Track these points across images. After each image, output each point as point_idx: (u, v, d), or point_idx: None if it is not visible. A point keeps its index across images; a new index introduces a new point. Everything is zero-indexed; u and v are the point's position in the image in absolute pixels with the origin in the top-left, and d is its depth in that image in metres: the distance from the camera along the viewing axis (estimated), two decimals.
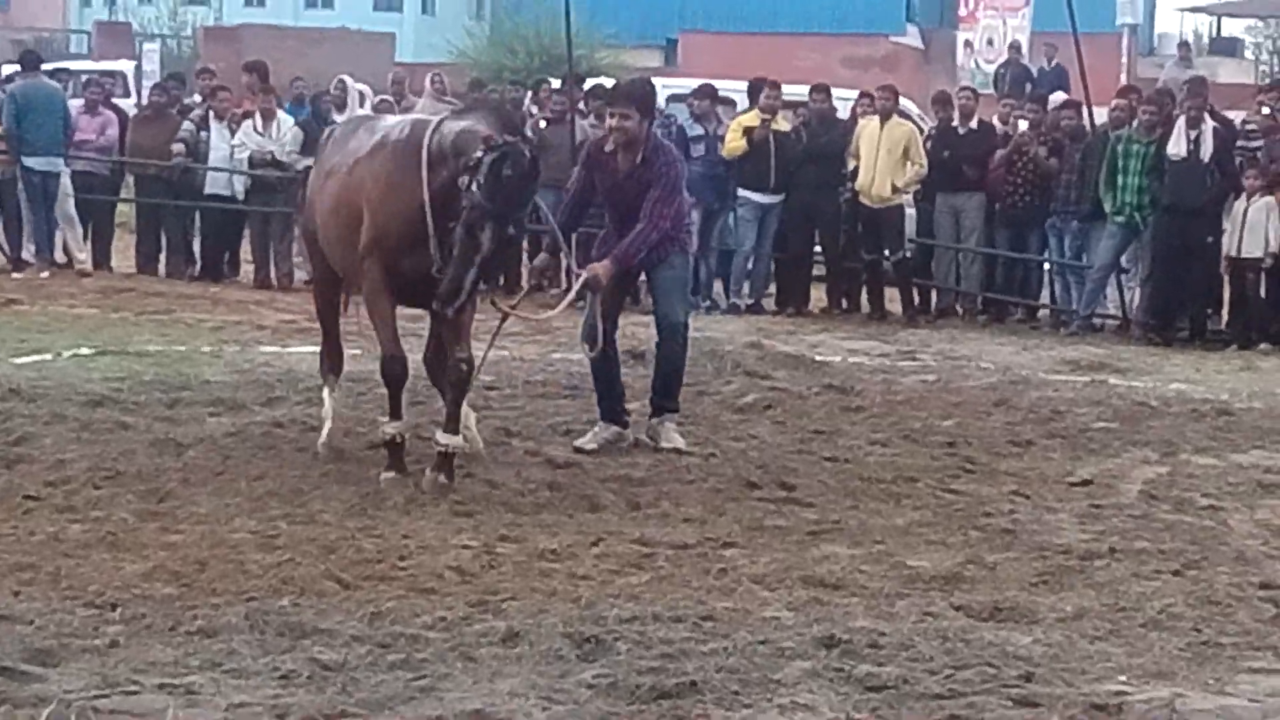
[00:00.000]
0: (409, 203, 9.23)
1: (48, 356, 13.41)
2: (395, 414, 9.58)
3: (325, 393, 10.40)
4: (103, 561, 7.62)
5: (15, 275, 19.28)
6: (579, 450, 10.33)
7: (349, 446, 10.20)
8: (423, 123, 9.50)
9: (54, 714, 5.62)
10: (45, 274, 19.24)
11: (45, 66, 21.72)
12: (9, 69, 22.38)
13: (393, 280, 9.44)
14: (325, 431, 10.15)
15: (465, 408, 10.11)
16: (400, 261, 9.34)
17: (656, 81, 12.30)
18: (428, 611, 6.97)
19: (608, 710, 5.86)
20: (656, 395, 10.76)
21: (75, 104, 20.80)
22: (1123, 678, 6.36)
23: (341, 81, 21.23)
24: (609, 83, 20.33)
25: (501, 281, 14.10)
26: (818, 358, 14.62)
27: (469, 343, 9.56)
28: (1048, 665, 6.45)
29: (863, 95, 19.50)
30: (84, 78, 23.61)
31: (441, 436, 9.41)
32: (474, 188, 8.85)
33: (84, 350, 13.78)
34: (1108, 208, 17.29)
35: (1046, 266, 18.71)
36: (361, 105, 20.91)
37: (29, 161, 19.48)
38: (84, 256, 19.75)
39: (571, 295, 10.45)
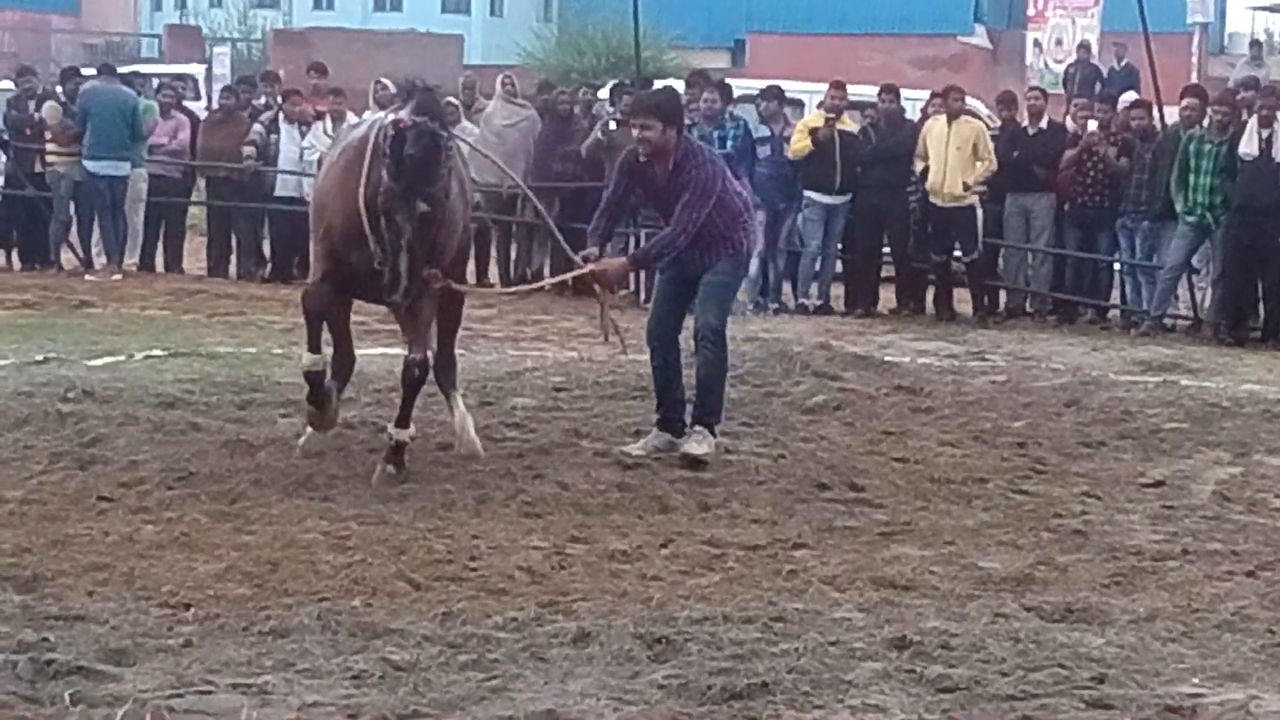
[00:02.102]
0: (350, 200, 9.37)
1: (120, 358, 13.50)
2: (314, 347, 9.73)
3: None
4: (176, 562, 7.66)
5: (87, 277, 19.43)
6: (625, 455, 10.24)
7: (415, 446, 10.23)
8: (378, 122, 9.57)
9: (129, 713, 5.66)
10: (116, 277, 19.37)
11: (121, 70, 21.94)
12: (86, 72, 22.51)
13: (345, 277, 9.56)
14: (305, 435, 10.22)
15: (463, 412, 10.26)
16: (348, 257, 9.45)
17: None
18: (499, 612, 6.98)
19: (679, 711, 5.86)
20: (695, 404, 10.51)
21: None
22: (1196, 680, 6.33)
23: (381, 83, 21.28)
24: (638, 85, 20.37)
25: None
26: (887, 358, 14.58)
27: (424, 345, 9.62)
28: (1120, 667, 6.41)
29: (934, 96, 19.46)
30: (155, 82, 23.75)
31: (392, 429, 9.61)
32: (384, 172, 9.05)
33: (156, 352, 13.86)
34: (1179, 207, 17.19)
35: (1117, 267, 18.62)
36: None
37: (90, 165, 19.65)
38: (120, 266, 19.77)
39: (563, 278, 10.34)
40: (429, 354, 9.65)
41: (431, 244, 9.26)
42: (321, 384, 9.72)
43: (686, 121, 18.05)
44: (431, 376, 10.30)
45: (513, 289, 12.45)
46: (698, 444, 10.18)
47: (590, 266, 10.25)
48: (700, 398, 10.42)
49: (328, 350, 10.00)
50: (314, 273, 9.97)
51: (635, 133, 10.36)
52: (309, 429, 9.98)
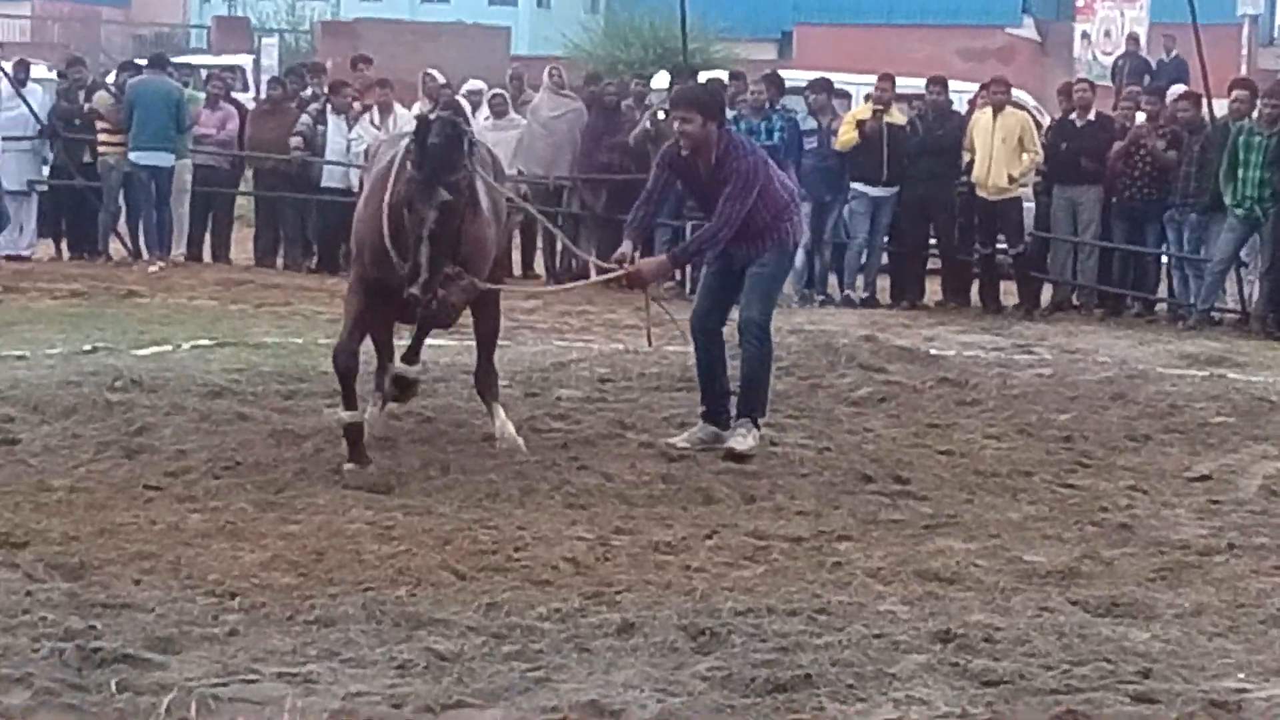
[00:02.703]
0: (376, 213, 9.47)
1: (167, 348, 13.57)
2: (349, 405, 9.50)
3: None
4: (222, 551, 7.69)
5: (133, 267, 19.52)
6: (670, 446, 10.23)
7: (457, 436, 10.26)
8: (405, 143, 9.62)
9: (175, 701, 5.68)
10: (153, 268, 19.45)
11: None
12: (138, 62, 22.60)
13: (377, 293, 9.55)
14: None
15: (503, 420, 10.25)
16: (380, 276, 9.47)
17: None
18: (543, 603, 6.99)
19: (722, 702, 5.85)
20: (739, 398, 10.44)
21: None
22: (1242, 675, 6.30)
23: (430, 74, 21.33)
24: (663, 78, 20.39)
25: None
26: (932, 351, 14.56)
27: (418, 358, 10.04)
28: (1166, 661, 6.39)
29: (982, 88, 19.41)
30: (204, 73, 23.85)
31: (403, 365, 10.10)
32: (408, 165, 9.14)
33: (203, 342, 13.93)
34: (1227, 200, 17.12)
35: (1165, 260, 18.55)
36: (475, 102, 21.03)
37: (134, 156, 19.76)
38: (164, 258, 19.85)
39: (599, 280, 10.34)
40: (420, 370, 9.68)
41: (455, 242, 9.22)
42: (360, 440, 9.50)
43: (732, 113, 18.20)
44: (478, 389, 10.48)
45: (548, 289, 12.53)
46: (741, 439, 10.15)
47: (627, 268, 10.16)
48: (744, 392, 10.38)
49: (364, 405, 9.88)
50: (346, 318, 9.81)
51: (675, 126, 10.34)
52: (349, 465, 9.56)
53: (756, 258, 10.31)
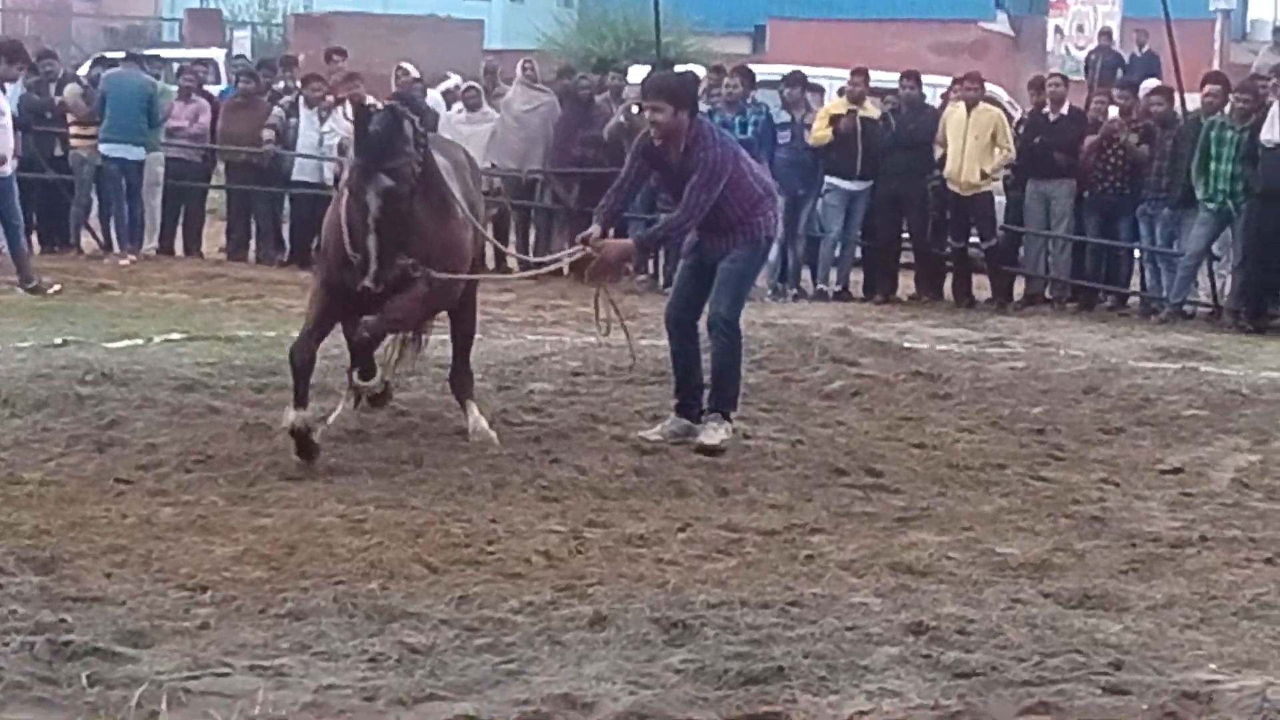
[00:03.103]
0: (336, 208, 9.53)
1: (139, 341, 13.54)
2: (299, 403, 9.42)
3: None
4: (193, 544, 7.67)
5: (105, 261, 19.46)
6: (643, 439, 10.24)
7: (429, 429, 10.25)
8: None
9: (146, 694, 5.66)
10: (125, 262, 19.39)
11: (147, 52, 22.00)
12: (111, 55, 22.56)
13: (340, 298, 9.52)
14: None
15: (477, 416, 10.26)
16: (340, 274, 9.47)
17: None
18: (515, 596, 6.98)
19: (695, 695, 5.85)
20: (710, 393, 10.43)
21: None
22: (1213, 666, 6.30)
23: (403, 68, 21.28)
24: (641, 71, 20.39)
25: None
26: (906, 344, 14.58)
27: (383, 320, 9.49)
28: (1137, 653, 6.40)
29: (956, 83, 19.43)
30: (176, 66, 23.79)
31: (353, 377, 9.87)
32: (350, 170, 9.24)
33: (175, 335, 13.90)
34: (1199, 194, 17.17)
35: (1137, 254, 18.58)
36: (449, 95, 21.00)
37: (105, 149, 19.72)
38: (135, 252, 19.80)
39: (561, 256, 10.30)
40: (382, 328, 9.58)
41: (404, 230, 9.19)
42: (309, 440, 9.39)
43: (706, 107, 18.19)
44: (453, 389, 10.48)
45: (515, 275, 12.60)
46: (712, 433, 10.14)
47: (592, 247, 10.15)
48: (715, 386, 10.38)
49: (314, 405, 9.81)
50: (307, 318, 9.81)
51: (646, 115, 10.32)
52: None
53: (728, 252, 10.28)
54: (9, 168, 17.14)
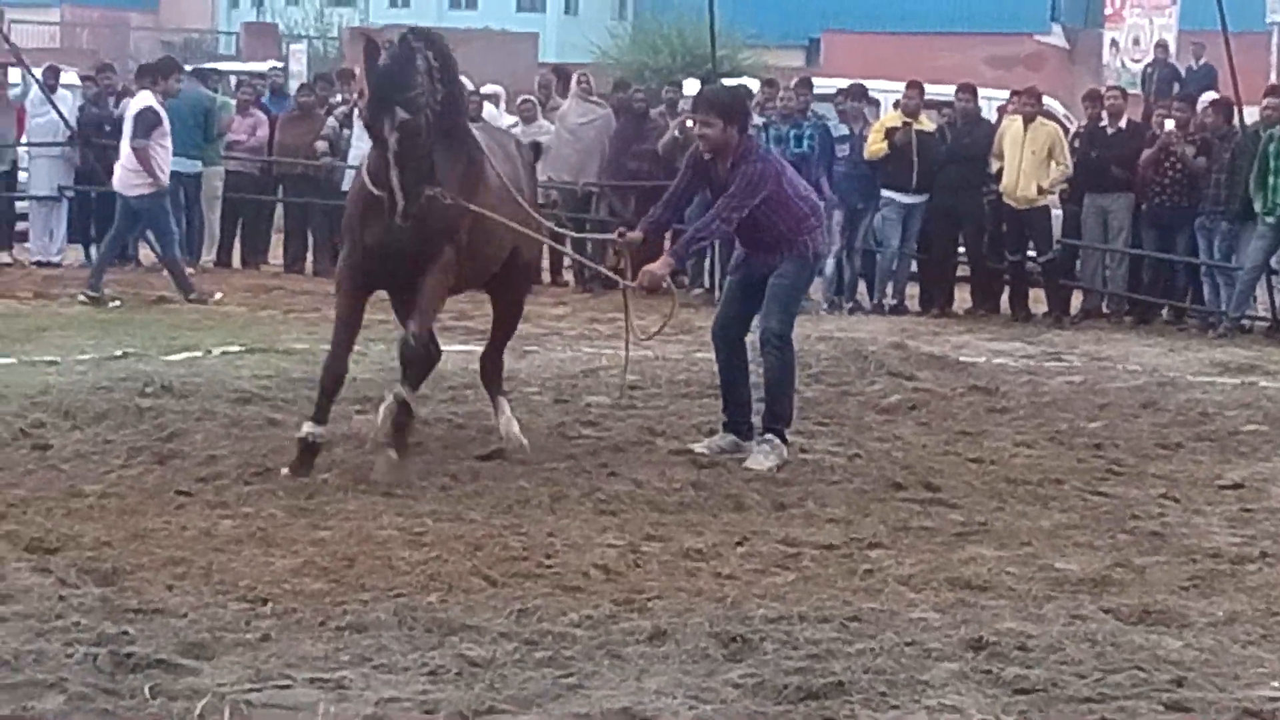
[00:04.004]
0: (361, 176, 9.60)
1: (198, 354, 13.61)
2: (319, 418, 9.49)
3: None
4: (253, 557, 7.69)
5: (163, 274, 19.53)
6: (692, 453, 10.22)
7: (487, 442, 10.25)
8: None
9: (207, 706, 5.69)
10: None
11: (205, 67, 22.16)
12: None
13: (365, 261, 9.55)
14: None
15: (508, 416, 10.29)
16: (365, 237, 9.49)
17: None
18: (574, 609, 6.98)
19: (755, 710, 5.85)
20: (764, 411, 10.36)
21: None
22: (1275, 683, 6.27)
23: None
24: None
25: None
26: (962, 358, 14.55)
27: (425, 318, 9.58)
28: (1199, 670, 6.37)
29: (1013, 95, 19.38)
30: (234, 79, 23.92)
31: (399, 387, 9.58)
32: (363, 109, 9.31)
33: (233, 348, 13.96)
34: (1258, 208, 17.09)
35: (1196, 267, 18.49)
36: (496, 105, 21.03)
37: None
38: (193, 264, 19.94)
39: (626, 283, 10.32)
40: (428, 331, 9.62)
41: (427, 163, 9.18)
42: (312, 456, 9.42)
43: (762, 119, 18.20)
44: (482, 378, 10.54)
45: (565, 249, 12.72)
46: (763, 457, 10.04)
47: (636, 283, 10.20)
48: (768, 403, 10.33)
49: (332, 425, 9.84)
50: (335, 328, 9.86)
51: (696, 129, 10.33)
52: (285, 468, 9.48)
53: (775, 267, 10.27)
54: (164, 181, 17.53)
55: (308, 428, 9.44)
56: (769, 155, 10.49)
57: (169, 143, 17.60)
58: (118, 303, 17.20)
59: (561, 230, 12.84)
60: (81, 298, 17.08)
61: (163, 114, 17.52)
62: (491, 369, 10.57)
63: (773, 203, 10.11)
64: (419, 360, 9.71)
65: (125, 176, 17.64)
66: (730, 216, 10.06)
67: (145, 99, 17.66)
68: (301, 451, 9.40)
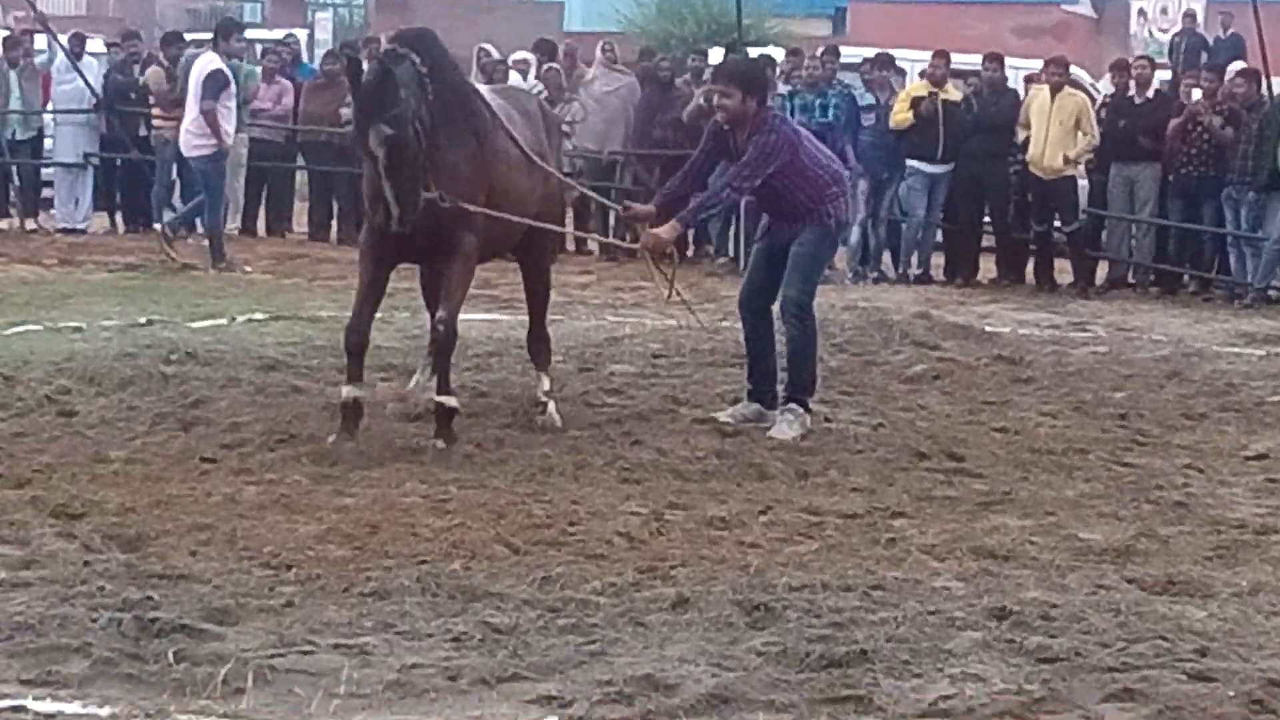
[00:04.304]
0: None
1: (222, 321, 13.63)
2: (353, 378, 9.56)
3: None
4: (277, 523, 7.72)
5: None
6: (715, 421, 10.22)
7: (510, 410, 10.25)
8: None
9: (231, 672, 5.71)
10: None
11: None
12: (190, 37, 22.69)
13: (387, 250, 9.68)
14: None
15: (546, 382, 10.30)
16: (374, 218, 9.61)
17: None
18: (597, 577, 6.99)
19: (777, 677, 5.85)
20: (786, 380, 10.33)
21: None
22: None
23: (484, 49, 21.30)
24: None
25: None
26: (987, 328, 14.53)
27: (453, 305, 9.62)
28: (1223, 640, 6.36)
29: (1046, 64, 19.26)
30: (259, 48, 23.88)
31: (436, 395, 9.59)
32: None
33: (258, 315, 13.99)
34: None
35: (1223, 238, 18.43)
36: (525, 76, 20.99)
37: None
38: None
39: (624, 244, 10.34)
40: (453, 317, 9.64)
41: (418, 171, 9.22)
42: (356, 416, 9.47)
43: (787, 88, 18.17)
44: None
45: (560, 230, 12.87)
46: (787, 426, 10.03)
47: (641, 242, 10.31)
48: (790, 372, 10.30)
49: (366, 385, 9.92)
50: (357, 292, 9.93)
51: (715, 99, 10.31)
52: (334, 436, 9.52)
53: (793, 236, 10.25)
54: (228, 145, 17.69)
55: (347, 390, 9.49)
56: (784, 126, 10.42)
57: (234, 104, 17.66)
58: (249, 269, 17.28)
59: (577, 185, 12.90)
60: (212, 271, 17.18)
61: (229, 75, 17.58)
62: (537, 347, 10.57)
63: (790, 173, 10.09)
64: (449, 347, 9.72)
65: (187, 138, 17.80)
66: (741, 186, 10.09)
67: (211, 60, 17.80)
68: (345, 414, 9.44)
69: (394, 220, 9.21)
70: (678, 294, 10.63)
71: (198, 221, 19.98)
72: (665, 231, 10.17)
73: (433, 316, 9.86)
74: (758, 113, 10.13)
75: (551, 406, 10.20)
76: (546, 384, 10.36)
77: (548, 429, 9.96)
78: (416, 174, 9.24)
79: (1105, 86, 20.61)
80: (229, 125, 17.63)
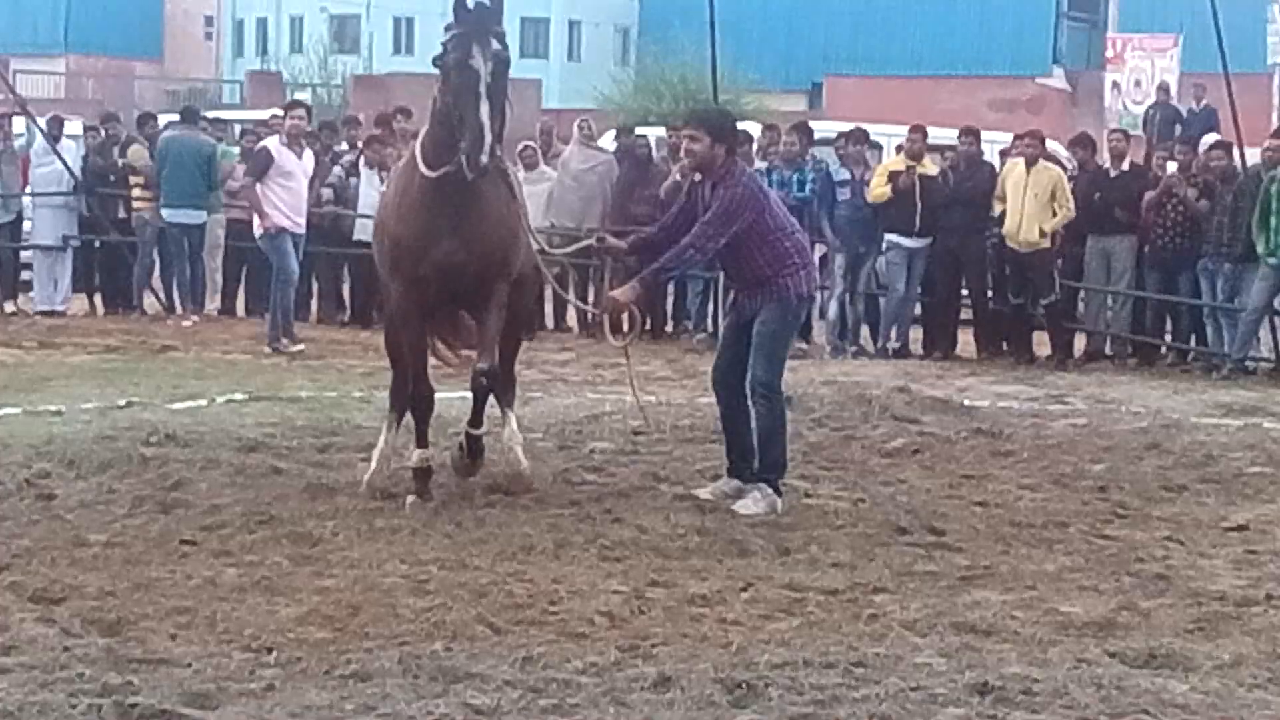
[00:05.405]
0: (409, 185, 9.79)
1: (202, 402, 13.62)
2: (421, 443, 10.00)
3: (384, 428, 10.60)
4: (258, 605, 7.70)
5: (168, 322, 19.60)
6: (696, 497, 10.20)
7: (490, 489, 10.26)
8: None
9: None
10: (187, 323, 19.54)
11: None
12: (165, 118, 22.79)
13: (422, 293, 9.79)
14: (370, 470, 10.35)
15: (514, 430, 10.55)
16: (420, 264, 9.68)
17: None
18: (579, 656, 6.98)
19: None
20: (758, 459, 10.23)
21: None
22: None
23: None
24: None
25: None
26: (966, 402, 14.55)
27: (491, 355, 9.81)
28: (1205, 713, 6.36)
29: (1016, 138, 19.39)
30: (238, 128, 23.96)
31: (466, 426, 10.17)
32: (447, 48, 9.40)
33: (237, 396, 13.97)
34: (1260, 249, 17.10)
35: (1199, 309, 18.50)
36: None
37: (167, 214, 19.92)
38: (198, 312, 20.05)
39: (586, 309, 10.37)
40: (495, 364, 9.78)
41: (504, 109, 9.33)
42: (428, 477, 9.95)
43: (764, 164, 18.24)
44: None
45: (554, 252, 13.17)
46: (752, 503, 9.99)
47: (604, 304, 10.39)
48: (759, 453, 10.22)
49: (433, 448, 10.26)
50: (411, 361, 10.12)
51: (683, 144, 10.30)
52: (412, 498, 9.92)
53: (754, 313, 10.17)
54: (275, 222, 17.76)
55: (419, 454, 9.94)
56: (752, 182, 10.28)
57: (290, 184, 17.73)
58: (300, 347, 17.45)
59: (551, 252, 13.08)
60: (269, 349, 17.42)
61: (278, 156, 17.69)
62: (504, 381, 10.56)
63: (754, 234, 10.00)
64: (490, 391, 10.03)
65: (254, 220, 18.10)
66: (705, 246, 9.98)
67: (268, 142, 18.08)
68: (418, 477, 9.89)
69: (479, 153, 9.14)
70: (619, 344, 10.65)
71: (175, 295, 20.09)
72: (623, 293, 10.17)
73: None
74: (725, 162, 10.06)
75: (518, 444, 10.44)
76: (513, 420, 10.57)
77: (513, 466, 10.22)
78: (504, 107, 9.32)
79: None
80: (278, 203, 17.64)
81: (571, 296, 12.13)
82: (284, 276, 17.82)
